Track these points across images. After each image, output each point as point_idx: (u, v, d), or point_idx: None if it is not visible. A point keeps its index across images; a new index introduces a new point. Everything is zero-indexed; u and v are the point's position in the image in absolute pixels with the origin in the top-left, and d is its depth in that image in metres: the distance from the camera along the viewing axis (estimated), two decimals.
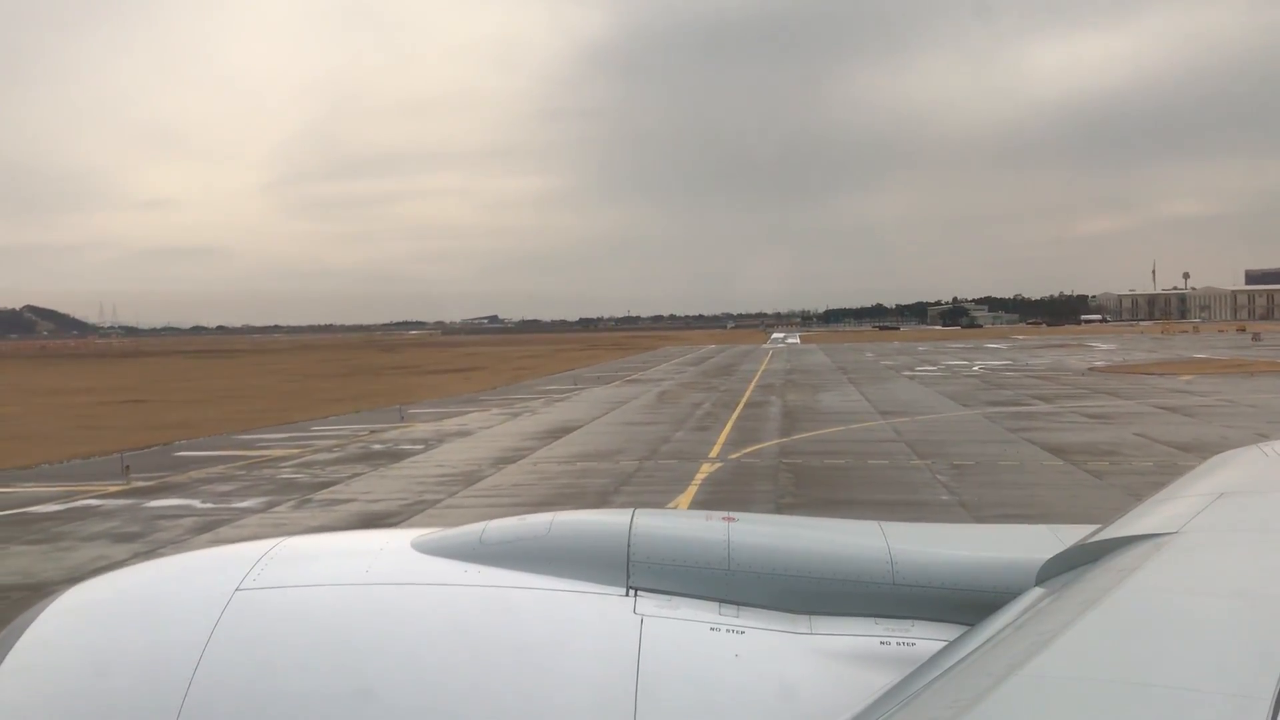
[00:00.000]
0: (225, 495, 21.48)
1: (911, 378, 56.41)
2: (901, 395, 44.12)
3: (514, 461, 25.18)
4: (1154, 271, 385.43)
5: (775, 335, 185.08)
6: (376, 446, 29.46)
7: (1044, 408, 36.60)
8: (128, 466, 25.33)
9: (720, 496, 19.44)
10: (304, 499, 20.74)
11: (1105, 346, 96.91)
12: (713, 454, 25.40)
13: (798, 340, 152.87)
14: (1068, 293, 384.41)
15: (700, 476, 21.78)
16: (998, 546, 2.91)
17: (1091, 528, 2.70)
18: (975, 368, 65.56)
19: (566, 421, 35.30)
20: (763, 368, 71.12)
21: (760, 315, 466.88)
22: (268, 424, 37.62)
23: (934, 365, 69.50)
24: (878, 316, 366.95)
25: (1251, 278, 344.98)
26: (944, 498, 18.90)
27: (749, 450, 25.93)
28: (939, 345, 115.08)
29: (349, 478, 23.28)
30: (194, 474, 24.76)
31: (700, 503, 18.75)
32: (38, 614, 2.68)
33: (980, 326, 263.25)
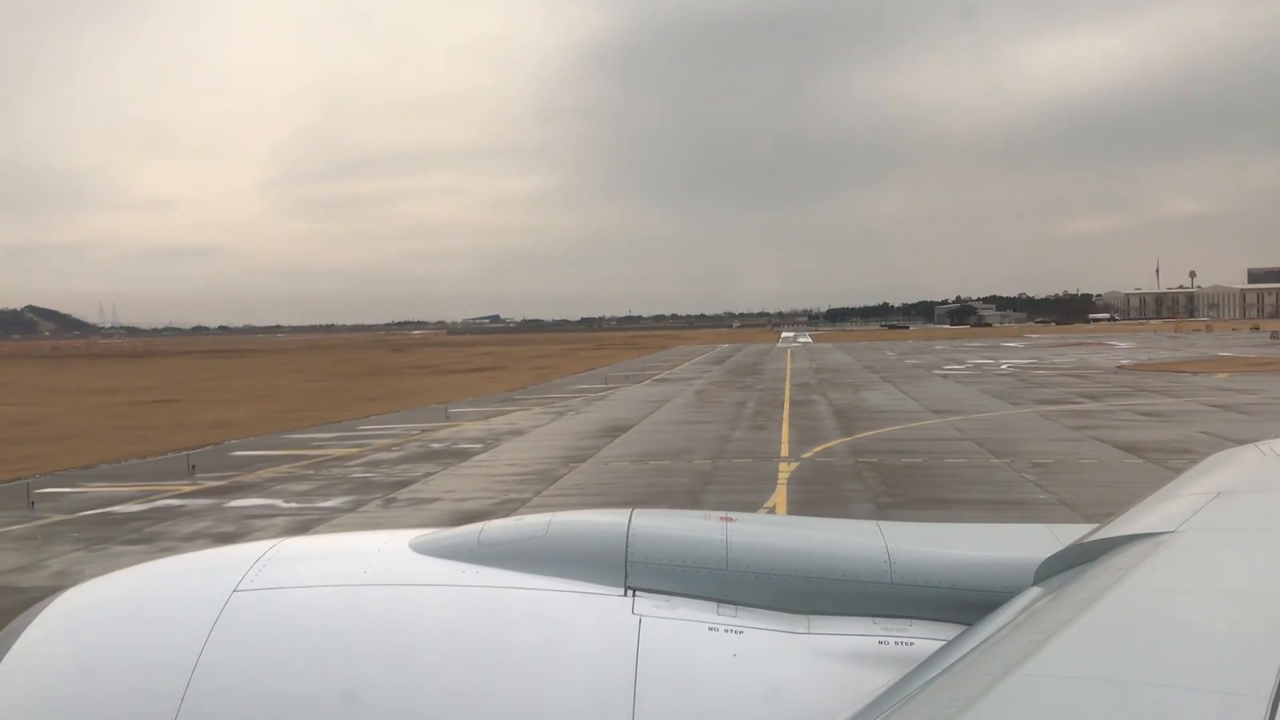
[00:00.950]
0: (305, 495, 21.28)
1: (944, 376, 56.25)
2: (944, 394, 43.95)
3: (583, 460, 24.99)
4: (1157, 270, 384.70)
5: (785, 334, 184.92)
6: (435, 445, 29.26)
7: (1094, 406, 36.43)
8: (193, 466, 25.17)
9: (813, 497, 19.25)
10: (387, 498, 20.55)
11: (1124, 345, 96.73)
12: (783, 453, 25.22)
13: (809, 339, 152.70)
14: (1072, 291, 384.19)
15: (783, 476, 21.59)
16: (995, 546, 2.92)
17: (1089, 527, 2.69)
18: (1003, 366, 65.42)
19: (616, 420, 35.10)
20: (789, 366, 70.94)
21: (763, 314, 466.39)
22: (309, 424, 37.39)
23: (960, 364, 69.34)
24: (883, 315, 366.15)
25: (1254, 276, 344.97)
26: (1041, 497, 18.71)
27: (818, 450, 25.74)
28: (956, 344, 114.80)
29: (423, 477, 23.09)
30: (261, 473, 24.57)
31: (797, 503, 18.56)
32: (35, 615, 2.67)
33: (989, 325, 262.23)
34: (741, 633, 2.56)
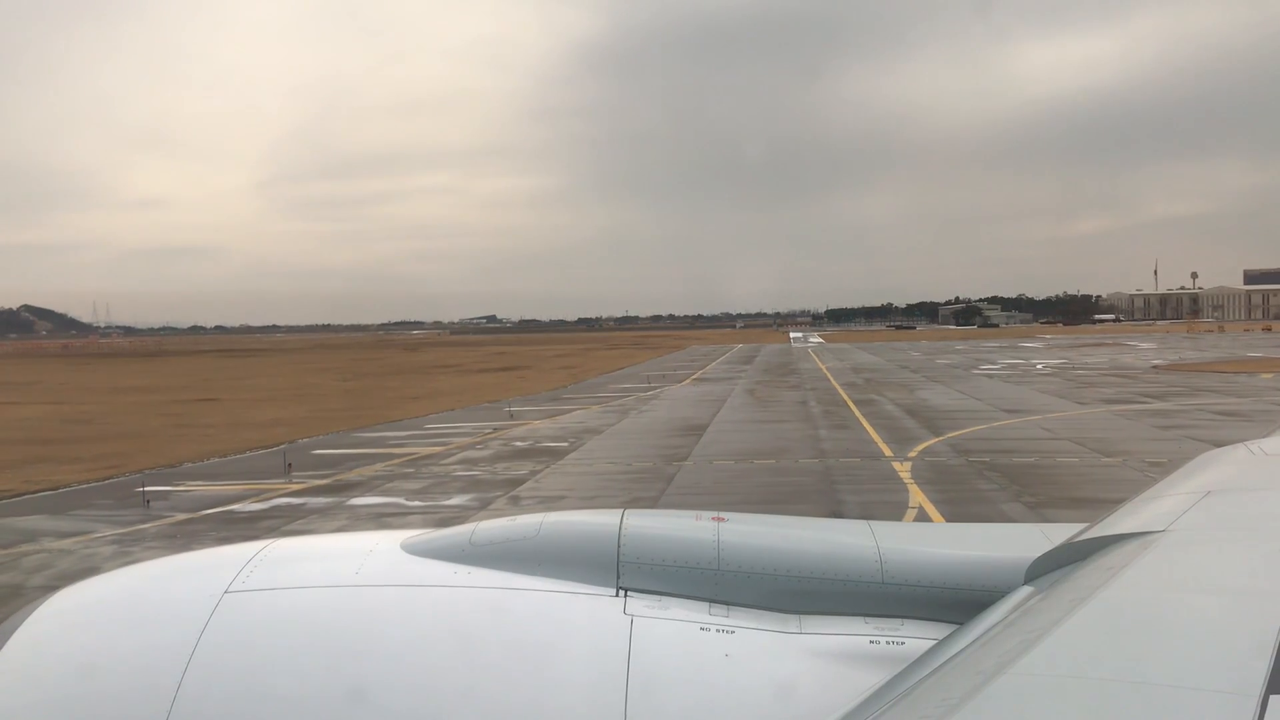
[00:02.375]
0: (421, 493, 20.97)
1: (987, 376, 55.99)
2: (1001, 393, 43.71)
3: (683, 459, 24.68)
4: (1156, 271, 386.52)
5: (794, 334, 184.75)
6: (519, 444, 28.95)
7: (1163, 406, 36.22)
8: (290, 465, 24.87)
9: (953, 496, 18.94)
10: (509, 495, 20.28)
11: (1145, 346, 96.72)
12: (885, 453, 24.97)
13: (820, 340, 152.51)
14: (1072, 292, 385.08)
15: (904, 475, 21.35)
16: (986, 545, 2.93)
17: (1079, 526, 2.68)
18: (1038, 366, 65.24)
19: (687, 419, 34.83)
20: (821, 366, 70.70)
21: (760, 315, 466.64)
22: (367, 423, 36.96)
23: (992, 364, 69.07)
24: (886, 316, 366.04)
25: (1250, 277, 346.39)
26: None
27: (919, 449, 25.48)
28: (974, 345, 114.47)
29: (530, 475, 22.79)
30: (361, 472, 24.25)
31: (943, 503, 18.29)
32: (26, 617, 2.66)
33: (996, 326, 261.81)
34: (733, 633, 2.57)
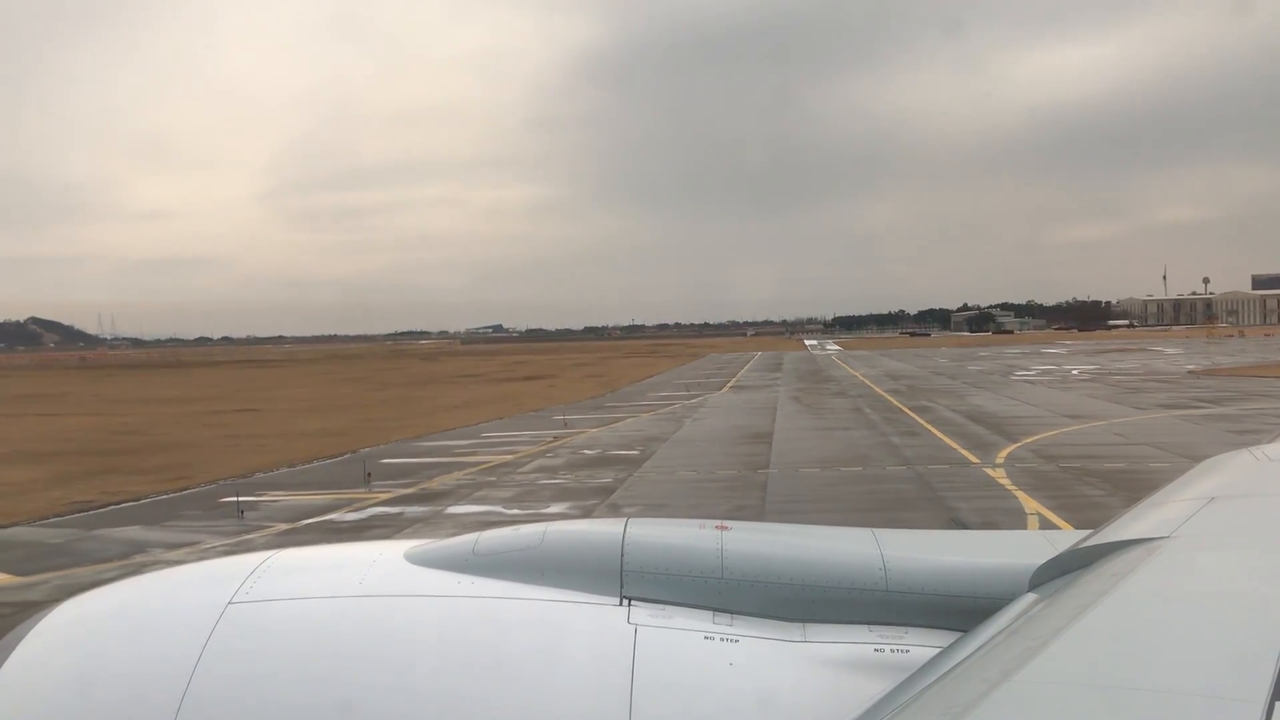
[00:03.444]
0: (514, 501, 20.76)
1: (1028, 383, 55.71)
2: (1053, 399, 43.40)
3: (765, 466, 24.45)
4: (1165, 277, 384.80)
5: (809, 342, 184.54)
6: (588, 452, 28.72)
7: (1221, 410, 36.00)
8: (369, 474, 24.69)
9: (1068, 503, 18.70)
10: (606, 503, 20.06)
11: (1171, 351, 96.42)
12: (972, 459, 24.72)
13: (838, 347, 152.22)
14: (1080, 298, 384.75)
15: (1003, 481, 21.09)
16: (991, 552, 2.93)
17: (1084, 533, 2.68)
18: (1074, 371, 65.00)
19: (747, 426, 34.60)
20: (857, 373, 70.45)
21: (768, 322, 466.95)
22: (418, 432, 36.64)
23: (1027, 370, 68.71)
24: (897, 323, 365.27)
25: (1258, 282, 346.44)
26: None
27: (1004, 455, 25.23)
28: (996, 351, 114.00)
29: (616, 483, 22.58)
30: (442, 480, 24.02)
31: (1062, 509, 18.03)
32: (29, 629, 2.65)
33: (1010, 332, 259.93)
34: (737, 641, 2.56)
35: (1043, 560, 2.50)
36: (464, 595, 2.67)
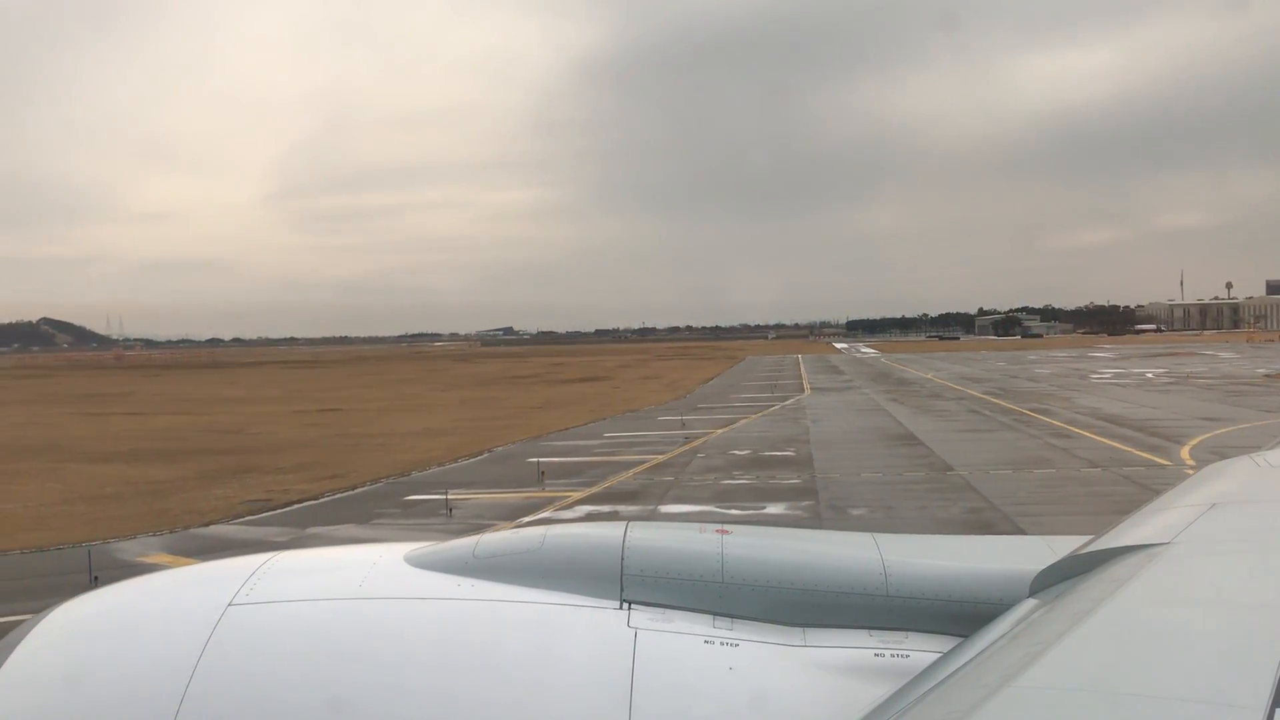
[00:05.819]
0: (720, 499, 20.25)
1: (1119, 385, 55.07)
2: (1166, 403, 42.72)
3: (947, 470, 23.93)
4: (1182, 282, 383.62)
5: (840, 345, 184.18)
6: (737, 452, 28.18)
7: None
8: (543, 473, 24.28)
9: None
10: (829, 504, 19.60)
11: (1225, 355, 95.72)
12: (1159, 460, 24.21)
13: (873, 350, 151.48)
14: (1099, 302, 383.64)
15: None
16: (991, 558, 2.91)
17: (1084, 539, 2.66)
18: (1148, 375, 64.37)
19: (879, 428, 34.21)
20: (926, 375, 70.04)
21: (779, 325, 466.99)
22: (527, 434, 36.05)
23: (1101, 375, 67.58)
24: (918, 327, 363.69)
25: (1272, 287, 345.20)
26: None
27: (1185, 454, 24.75)
28: (1045, 355, 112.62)
29: (804, 485, 22.12)
30: (616, 480, 23.58)
31: None
32: (29, 630, 2.65)
33: (1039, 336, 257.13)
34: (737, 645, 2.55)
35: (1043, 566, 2.49)
36: (464, 598, 2.66)
